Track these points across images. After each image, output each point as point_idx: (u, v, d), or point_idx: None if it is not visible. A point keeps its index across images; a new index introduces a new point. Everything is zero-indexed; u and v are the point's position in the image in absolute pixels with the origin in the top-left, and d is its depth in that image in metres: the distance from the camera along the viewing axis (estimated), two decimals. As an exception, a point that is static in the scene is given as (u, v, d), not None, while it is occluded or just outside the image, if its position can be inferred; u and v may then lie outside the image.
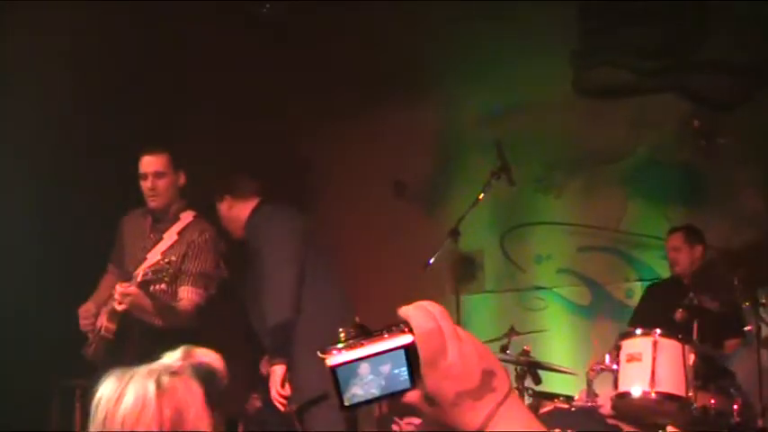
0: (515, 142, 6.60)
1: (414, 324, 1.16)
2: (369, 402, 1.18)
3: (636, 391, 4.91)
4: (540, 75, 7.19)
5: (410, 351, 1.16)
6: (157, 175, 5.03)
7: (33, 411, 5.87)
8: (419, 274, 5.93)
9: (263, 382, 5.10)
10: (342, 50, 7.36)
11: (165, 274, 4.56)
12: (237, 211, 5.17)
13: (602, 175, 7.22)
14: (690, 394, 4.88)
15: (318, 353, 1.18)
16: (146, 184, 5.03)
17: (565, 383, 5.71)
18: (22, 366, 5.56)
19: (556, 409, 5.09)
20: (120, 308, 4.64)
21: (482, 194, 5.89)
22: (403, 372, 1.17)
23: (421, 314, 1.17)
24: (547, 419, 4.96)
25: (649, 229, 6.97)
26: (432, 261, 5.81)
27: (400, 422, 5.67)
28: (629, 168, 7.17)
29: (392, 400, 1.19)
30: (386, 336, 1.17)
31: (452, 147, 7.63)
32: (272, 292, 4.87)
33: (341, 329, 1.20)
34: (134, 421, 1.83)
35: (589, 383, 5.17)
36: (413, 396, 1.18)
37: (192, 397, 1.90)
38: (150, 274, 4.57)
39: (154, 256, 4.97)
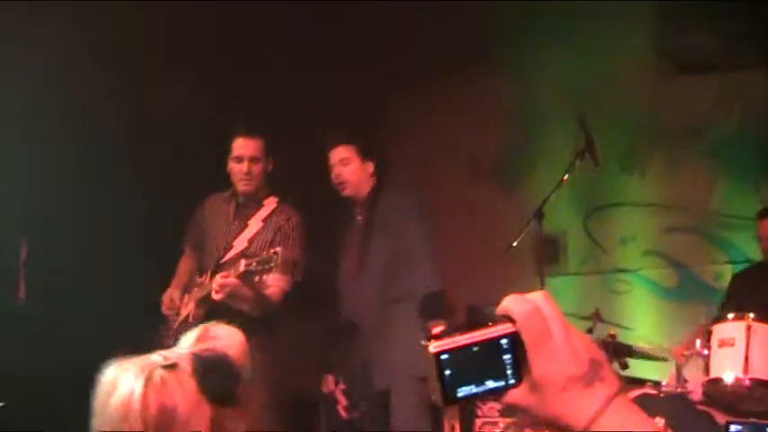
0: (595, 119, 6.44)
1: (512, 310, 1.13)
2: (472, 397, 1.14)
3: (728, 378, 4.79)
4: (622, 48, 7.03)
5: (515, 341, 1.13)
6: (253, 159, 5.04)
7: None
8: (501, 256, 5.85)
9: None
10: (413, 27, 7.25)
11: (273, 264, 4.53)
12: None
13: (688, 152, 7.02)
14: (785, 381, 4.74)
15: (422, 341, 1.14)
16: (240, 168, 5.04)
17: (651, 369, 5.59)
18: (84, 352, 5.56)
19: (644, 394, 4.98)
20: (217, 297, 4.64)
21: (566, 176, 5.78)
22: (508, 365, 1.13)
23: (517, 300, 1.14)
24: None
25: (738, 208, 6.78)
26: (515, 244, 5.73)
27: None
28: (716, 144, 6.97)
29: (495, 397, 1.15)
30: (490, 325, 1.14)
31: (530, 122, 7.48)
32: (424, 263, 5.02)
33: (441, 322, 1.17)
34: (121, 416, 1.76)
35: (678, 369, 5.06)
36: (515, 394, 1.13)
37: (183, 395, 1.80)
38: (255, 264, 4.54)
39: (240, 243, 5.00)
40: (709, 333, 4.95)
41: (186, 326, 4.91)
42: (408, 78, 7.34)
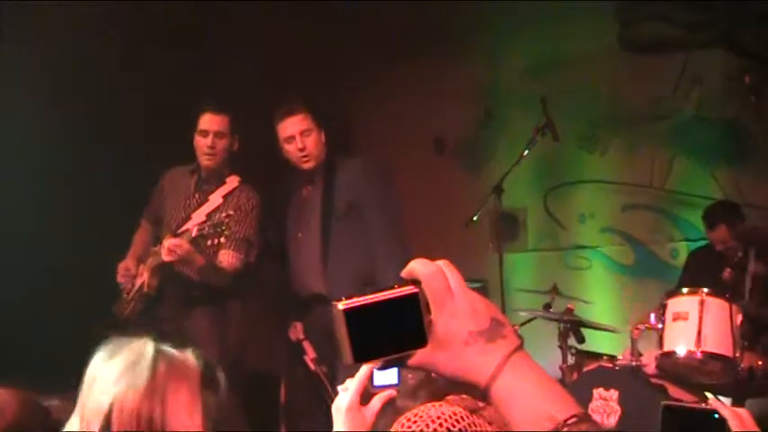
0: (559, 98, 6.48)
1: (417, 271, 1.18)
2: (379, 357, 1.17)
3: (681, 351, 4.82)
4: (585, 29, 7.06)
5: (420, 300, 1.16)
6: (218, 134, 5.04)
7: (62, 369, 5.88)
8: (461, 232, 5.87)
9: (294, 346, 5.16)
10: (379, 6, 7.25)
11: (224, 228, 4.54)
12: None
13: (648, 132, 7.07)
14: (736, 354, 4.79)
15: (332, 302, 1.16)
16: (204, 141, 5.04)
17: (608, 343, 5.65)
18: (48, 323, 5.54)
19: (599, 367, 5.04)
20: (167, 258, 4.66)
21: (526, 151, 5.81)
22: (414, 326, 1.16)
23: (422, 262, 1.19)
24: (590, 378, 4.92)
25: (695, 188, 6.85)
26: (475, 218, 5.76)
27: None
28: (675, 126, 7.03)
29: (403, 359, 1.17)
30: (396, 287, 1.17)
31: (494, 102, 7.53)
32: (393, 242, 4.94)
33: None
34: (123, 412, 1.67)
35: (633, 342, 5.09)
36: (421, 355, 1.17)
37: (190, 381, 1.76)
38: (207, 228, 4.56)
39: (199, 216, 5.00)
40: (664, 307, 5.00)
41: (141, 295, 4.94)
42: (375, 58, 7.36)
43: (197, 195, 5.13)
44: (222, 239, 4.66)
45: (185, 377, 1.75)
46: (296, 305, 5.20)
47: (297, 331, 5.15)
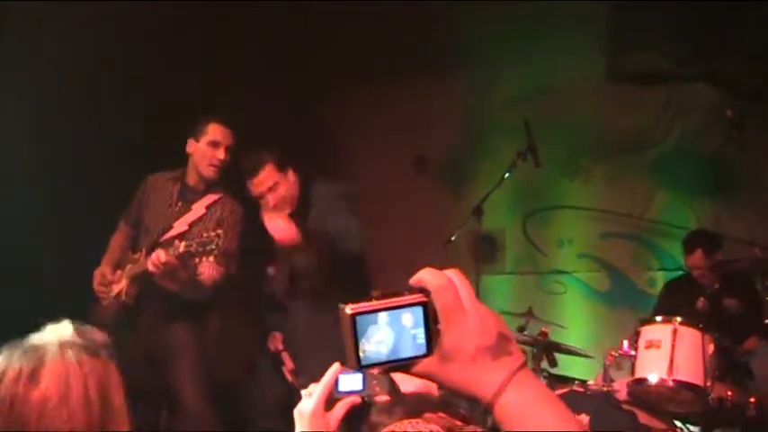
0: (543, 125, 6.52)
1: (427, 281, 1.17)
2: (384, 364, 1.16)
3: (653, 378, 4.87)
4: (571, 58, 7.13)
5: (428, 310, 1.16)
6: (228, 148, 5.06)
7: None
8: (439, 252, 5.89)
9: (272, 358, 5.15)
10: (370, 23, 7.30)
11: (212, 247, 4.50)
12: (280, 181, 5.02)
13: (630, 162, 7.16)
14: (707, 384, 4.84)
15: (339, 303, 1.15)
16: (214, 153, 5.02)
17: (581, 369, 5.68)
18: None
19: (571, 392, 5.06)
20: (152, 269, 4.61)
21: (507, 174, 5.85)
22: (420, 334, 1.16)
23: (432, 272, 1.18)
24: (562, 402, 4.93)
25: (675, 218, 6.92)
26: (453, 238, 5.78)
27: None
28: (657, 157, 7.11)
29: (406, 367, 1.17)
30: (405, 293, 1.17)
31: (478, 125, 7.57)
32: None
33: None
34: (58, 402, 1.66)
35: (606, 368, 5.14)
36: (426, 364, 1.16)
37: (113, 377, 1.76)
38: (195, 246, 4.52)
39: (181, 225, 4.99)
40: (638, 334, 5.04)
41: (118, 302, 4.90)
42: (359, 78, 7.38)
43: (180, 204, 5.11)
44: (211, 258, 4.63)
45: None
46: (275, 313, 5.19)
47: (276, 341, 5.13)
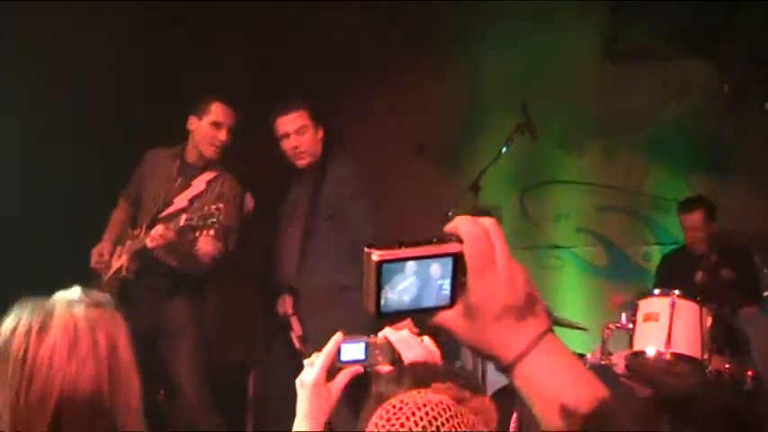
0: (540, 101, 6.51)
1: (462, 230, 1.12)
2: (405, 313, 1.11)
3: (650, 351, 4.89)
4: (568, 37, 7.12)
5: (458, 261, 1.10)
6: (230, 129, 5.06)
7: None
8: (438, 228, 5.87)
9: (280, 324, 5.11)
10: (365, 9, 7.27)
11: (214, 220, 4.51)
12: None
13: (627, 138, 7.16)
14: (705, 357, 4.86)
15: (365, 248, 1.10)
16: (216, 134, 5.05)
17: (579, 342, 5.70)
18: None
19: (569, 365, 5.07)
20: (151, 244, 4.64)
21: (504, 149, 5.84)
22: (446, 285, 1.11)
23: (468, 222, 1.13)
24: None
25: (670, 192, 6.91)
26: (450, 213, 5.78)
27: None
28: (654, 133, 7.10)
29: (426, 317, 1.12)
30: (435, 241, 1.12)
31: (477, 106, 7.54)
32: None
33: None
34: (67, 354, 1.69)
35: (604, 342, 5.16)
36: (446, 316, 1.12)
37: (120, 329, 1.80)
38: (196, 219, 4.53)
39: (181, 201, 5.00)
40: (635, 307, 5.06)
41: (119, 278, 4.91)
42: (358, 61, 7.33)
43: (179, 180, 5.10)
44: (212, 232, 4.63)
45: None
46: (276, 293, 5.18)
47: (285, 305, 5.04)
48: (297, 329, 4.98)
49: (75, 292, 1.82)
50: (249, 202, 5.16)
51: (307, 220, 5.07)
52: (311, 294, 4.98)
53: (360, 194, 5.07)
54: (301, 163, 5.08)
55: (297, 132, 5.03)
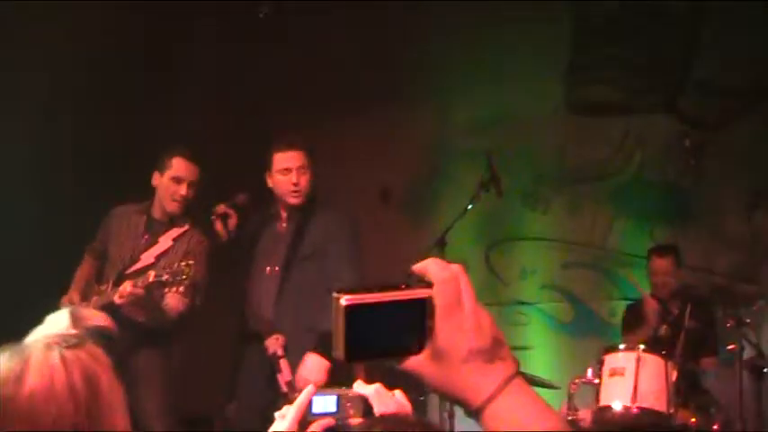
0: (503, 155, 6.58)
1: (431, 272, 1.12)
2: (373, 357, 1.11)
3: (617, 406, 4.92)
4: (531, 89, 7.21)
5: (426, 306, 1.10)
6: (191, 184, 5.06)
7: None
8: (407, 269, 5.87)
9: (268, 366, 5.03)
10: (331, 57, 7.35)
11: (184, 276, 4.50)
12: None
13: (590, 191, 7.25)
14: (671, 411, 4.89)
15: (334, 292, 1.10)
16: (177, 189, 5.03)
17: (546, 399, 5.68)
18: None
19: (537, 421, 5.07)
20: (119, 301, 4.62)
21: (470, 206, 5.88)
22: (414, 330, 1.10)
23: (438, 264, 1.14)
24: None
25: (634, 247, 6.97)
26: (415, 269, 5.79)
27: None
28: (616, 186, 7.21)
29: (395, 362, 1.12)
30: (403, 287, 1.11)
31: (440, 156, 7.63)
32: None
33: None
34: (44, 398, 1.66)
35: (570, 397, 5.17)
36: (416, 361, 1.11)
37: (101, 365, 1.77)
38: (166, 276, 4.52)
39: (148, 258, 4.98)
40: (601, 362, 5.09)
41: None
42: (329, 112, 7.39)
43: (146, 236, 5.10)
44: (181, 288, 4.61)
45: None
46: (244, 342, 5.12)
47: (277, 344, 4.85)
48: (286, 373, 4.77)
49: (62, 318, 1.85)
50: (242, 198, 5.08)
51: (286, 259, 5.05)
52: (292, 335, 4.93)
53: (347, 237, 5.09)
54: (294, 201, 5.05)
55: (298, 170, 5.01)
